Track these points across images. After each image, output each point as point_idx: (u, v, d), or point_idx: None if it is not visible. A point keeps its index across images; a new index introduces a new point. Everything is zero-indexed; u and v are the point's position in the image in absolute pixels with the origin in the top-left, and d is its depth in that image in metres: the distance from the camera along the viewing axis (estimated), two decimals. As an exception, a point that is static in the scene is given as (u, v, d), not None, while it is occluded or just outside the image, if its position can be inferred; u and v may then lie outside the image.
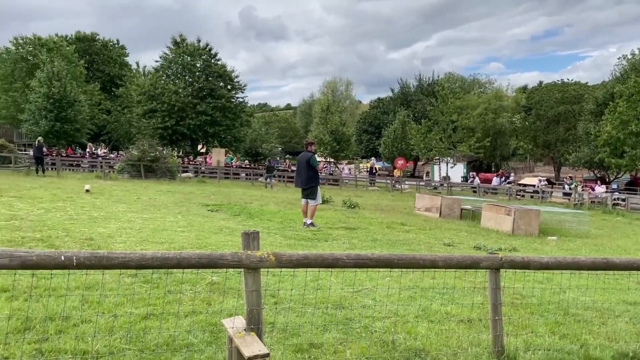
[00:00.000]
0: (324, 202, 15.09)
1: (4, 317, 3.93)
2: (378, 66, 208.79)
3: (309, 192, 11.56)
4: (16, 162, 25.73)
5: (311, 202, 11.54)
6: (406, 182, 37.46)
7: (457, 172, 46.00)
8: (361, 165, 57.57)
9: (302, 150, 13.02)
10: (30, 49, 46.01)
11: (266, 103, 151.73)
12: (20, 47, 46.18)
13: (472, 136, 41.63)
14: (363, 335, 4.26)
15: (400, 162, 38.50)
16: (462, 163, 48.09)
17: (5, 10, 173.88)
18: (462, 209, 17.13)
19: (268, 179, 29.06)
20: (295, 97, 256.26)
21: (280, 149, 61.28)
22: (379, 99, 74.11)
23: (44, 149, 26.77)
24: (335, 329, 4.31)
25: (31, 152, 26.76)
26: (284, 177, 35.64)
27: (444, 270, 4.17)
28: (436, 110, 41.96)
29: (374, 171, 39.52)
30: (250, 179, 33.18)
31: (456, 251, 9.73)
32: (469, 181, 41.18)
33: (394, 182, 35.93)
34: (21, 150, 38.18)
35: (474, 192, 34.59)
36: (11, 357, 3.33)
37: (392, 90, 69.90)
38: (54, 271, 4.42)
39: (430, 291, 5.77)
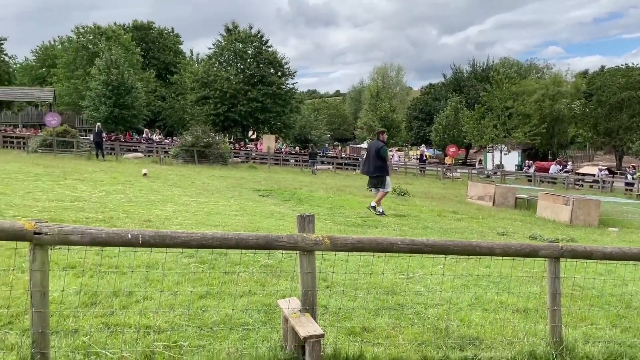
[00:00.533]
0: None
1: (73, 292, 4.16)
2: (430, 51, 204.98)
3: (377, 181, 11.64)
4: (78, 146, 26.92)
5: (380, 189, 11.61)
6: (457, 170, 36.68)
7: (511, 160, 44.59)
8: (410, 152, 56.74)
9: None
10: (91, 37, 47.87)
11: (315, 89, 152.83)
12: (81, 36, 48.13)
13: (527, 123, 40.19)
14: (415, 321, 4.25)
15: (452, 149, 37.58)
16: (516, 151, 46.48)
17: (68, 1, 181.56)
18: (516, 198, 16.64)
19: (314, 165, 29.40)
20: (344, 84, 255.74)
21: (329, 135, 61.26)
22: (430, 84, 72.54)
23: (103, 134, 27.92)
24: (387, 314, 4.32)
25: (91, 137, 27.93)
26: (332, 163, 35.71)
27: (500, 258, 4.09)
28: (490, 95, 40.72)
29: (424, 158, 38.90)
30: (299, 165, 33.48)
31: (511, 240, 9.49)
32: (523, 169, 39.87)
33: (445, 169, 35.29)
34: (82, 136, 39.91)
35: (529, 180, 33.50)
36: (80, 329, 3.53)
37: (444, 76, 68.21)
38: (117, 250, 4.64)
39: (484, 280, 5.67)
